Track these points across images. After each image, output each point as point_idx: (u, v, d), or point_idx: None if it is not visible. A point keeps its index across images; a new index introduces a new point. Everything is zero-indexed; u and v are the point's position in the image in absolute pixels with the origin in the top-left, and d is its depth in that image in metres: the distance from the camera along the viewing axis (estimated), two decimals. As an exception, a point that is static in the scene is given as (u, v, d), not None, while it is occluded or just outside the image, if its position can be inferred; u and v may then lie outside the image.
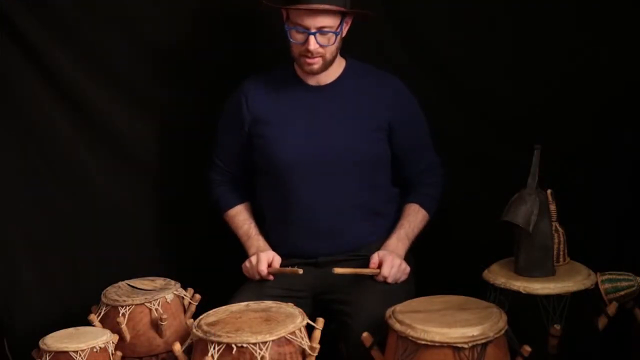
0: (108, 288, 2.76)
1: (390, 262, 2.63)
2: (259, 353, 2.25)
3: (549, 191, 2.50)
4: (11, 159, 2.98)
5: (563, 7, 2.86)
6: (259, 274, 2.70)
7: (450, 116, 3.01)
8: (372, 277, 2.65)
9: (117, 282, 2.80)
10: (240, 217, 2.86)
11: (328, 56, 2.66)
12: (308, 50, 2.61)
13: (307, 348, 2.33)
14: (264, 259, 2.70)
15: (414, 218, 2.76)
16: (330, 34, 2.61)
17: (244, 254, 2.87)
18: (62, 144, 2.99)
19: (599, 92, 2.88)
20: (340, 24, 2.63)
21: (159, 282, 2.79)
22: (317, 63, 2.65)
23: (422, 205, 2.78)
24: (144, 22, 2.98)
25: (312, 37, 2.59)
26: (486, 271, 2.55)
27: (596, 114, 2.89)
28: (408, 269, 2.68)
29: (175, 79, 3.02)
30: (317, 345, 2.34)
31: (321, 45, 2.61)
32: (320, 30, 2.59)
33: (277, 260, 2.72)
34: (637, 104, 2.84)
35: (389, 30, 2.99)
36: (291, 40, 2.64)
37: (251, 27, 3.01)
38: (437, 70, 3.01)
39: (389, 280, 2.63)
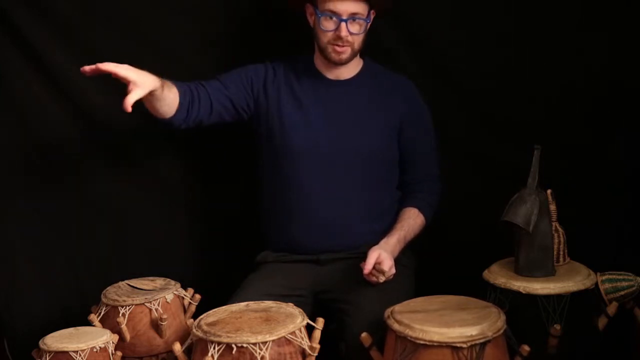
0: (108, 288, 2.76)
1: (389, 265, 2.58)
2: (259, 353, 2.25)
3: (549, 191, 2.50)
4: (11, 158, 2.98)
5: (564, 7, 2.86)
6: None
7: (451, 116, 3.00)
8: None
9: (117, 282, 2.80)
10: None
11: (356, 46, 2.69)
12: (339, 38, 2.64)
13: (307, 348, 2.33)
14: None
15: (413, 222, 2.76)
16: (361, 21, 2.65)
17: (244, 254, 2.87)
18: (62, 143, 2.99)
19: (599, 92, 2.87)
20: (369, 13, 2.68)
21: (159, 282, 2.79)
22: (345, 52, 2.68)
23: (421, 211, 2.78)
24: (145, 21, 2.98)
25: (343, 24, 2.63)
26: (486, 271, 2.54)
27: (596, 114, 2.89)
28: (394, 272, 2.62)
29: (177, 79, 3.01)
30: (317, 345, 2.34)
31: (352, 33, 2.65)
32: (352, 17, 2.63)
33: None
34: (636, 103, 2.84)
35: (389, 29, 2.99)
36: (321, 28, 2.66)
37: (262, 23, 3.01)
38: (437, 70, 3.01)
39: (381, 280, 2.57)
